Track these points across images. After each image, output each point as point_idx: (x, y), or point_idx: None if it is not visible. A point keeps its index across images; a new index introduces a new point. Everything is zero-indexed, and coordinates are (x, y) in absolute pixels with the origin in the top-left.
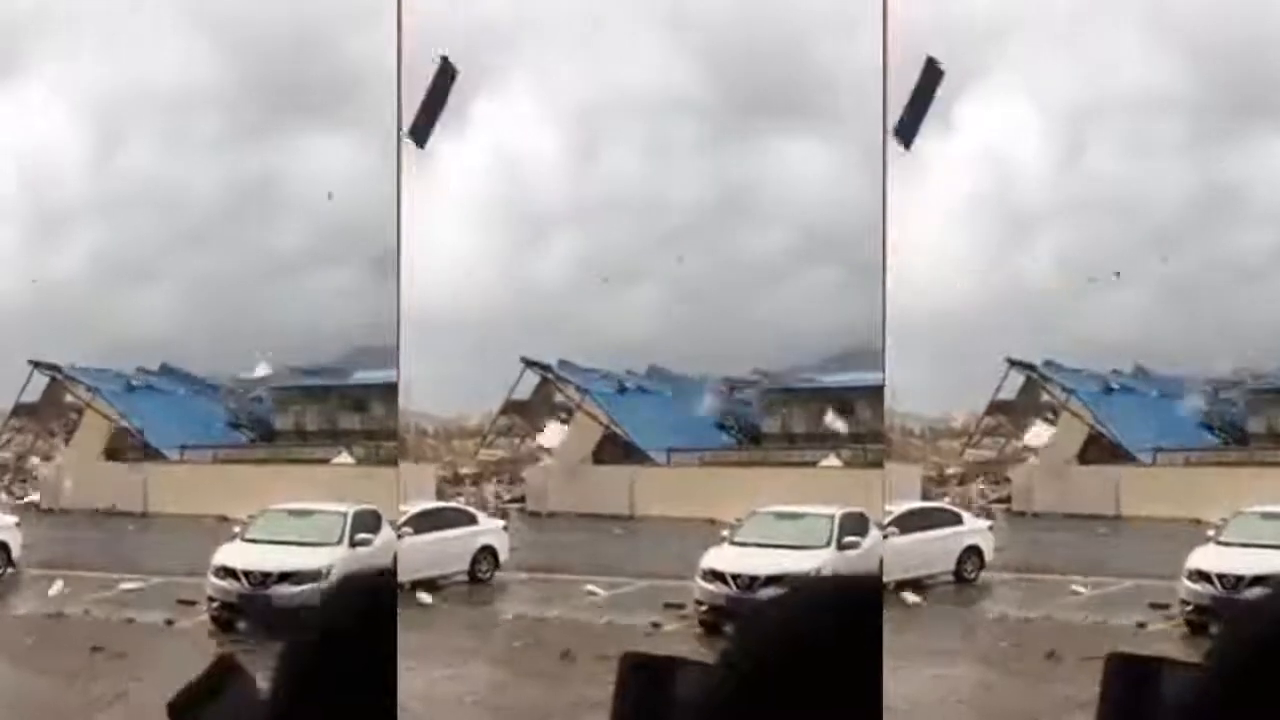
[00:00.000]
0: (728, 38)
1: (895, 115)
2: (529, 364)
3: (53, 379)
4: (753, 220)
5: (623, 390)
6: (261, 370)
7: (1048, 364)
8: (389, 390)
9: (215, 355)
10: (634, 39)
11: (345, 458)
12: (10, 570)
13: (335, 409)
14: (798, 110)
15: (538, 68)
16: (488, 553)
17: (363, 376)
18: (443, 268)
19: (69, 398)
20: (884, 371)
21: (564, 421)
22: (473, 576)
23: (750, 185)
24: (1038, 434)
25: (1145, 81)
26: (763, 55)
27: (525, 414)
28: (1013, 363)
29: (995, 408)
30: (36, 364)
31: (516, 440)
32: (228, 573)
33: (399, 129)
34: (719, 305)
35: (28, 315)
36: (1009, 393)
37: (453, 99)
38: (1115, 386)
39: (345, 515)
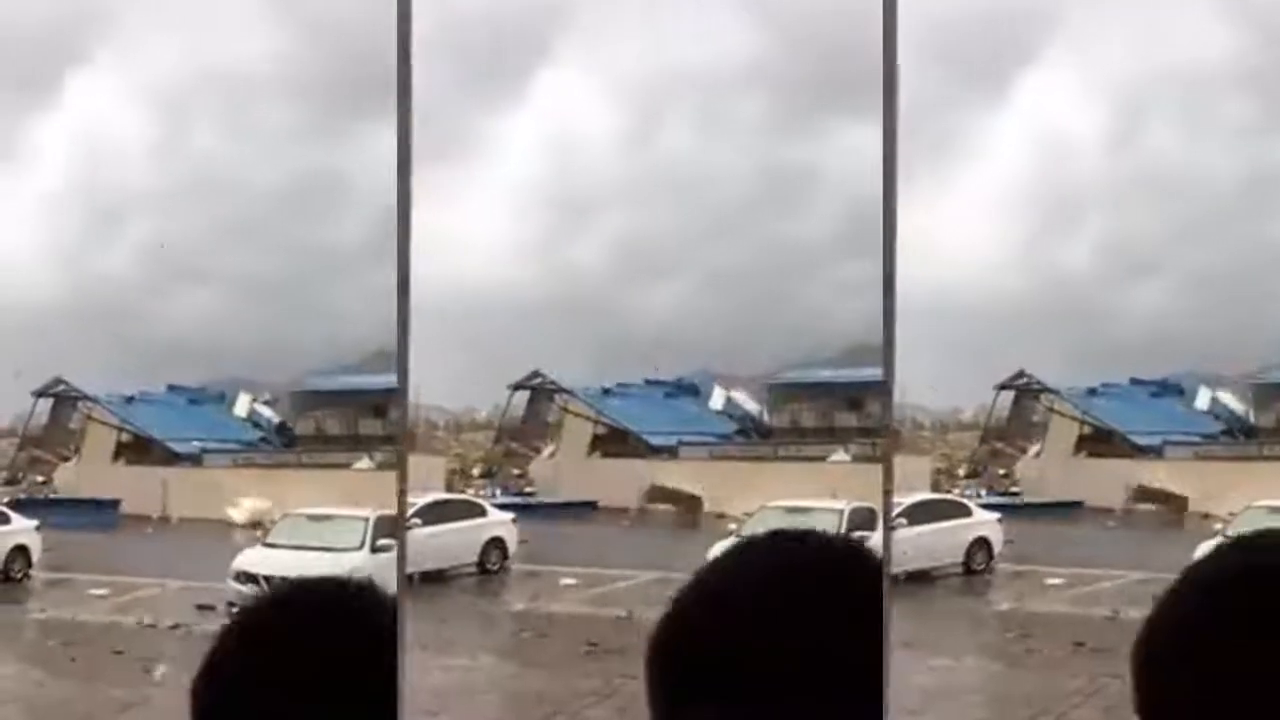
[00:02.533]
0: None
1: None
2: (516, 387)
3: None
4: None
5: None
6: None
7: (1030, 378)
8: None
9: None
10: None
11: None
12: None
13: None
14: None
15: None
16: (496, 544)
17: None
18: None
19: None
20: (892, 365)
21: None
22: (482, 568)
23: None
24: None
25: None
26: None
27: (520, 437)
28: (1000, 387)
29: (990, 434)
30: None
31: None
32: (248, 578)
33: (407, 116)
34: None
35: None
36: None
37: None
38: (1099, 388)
39: (366, 520)
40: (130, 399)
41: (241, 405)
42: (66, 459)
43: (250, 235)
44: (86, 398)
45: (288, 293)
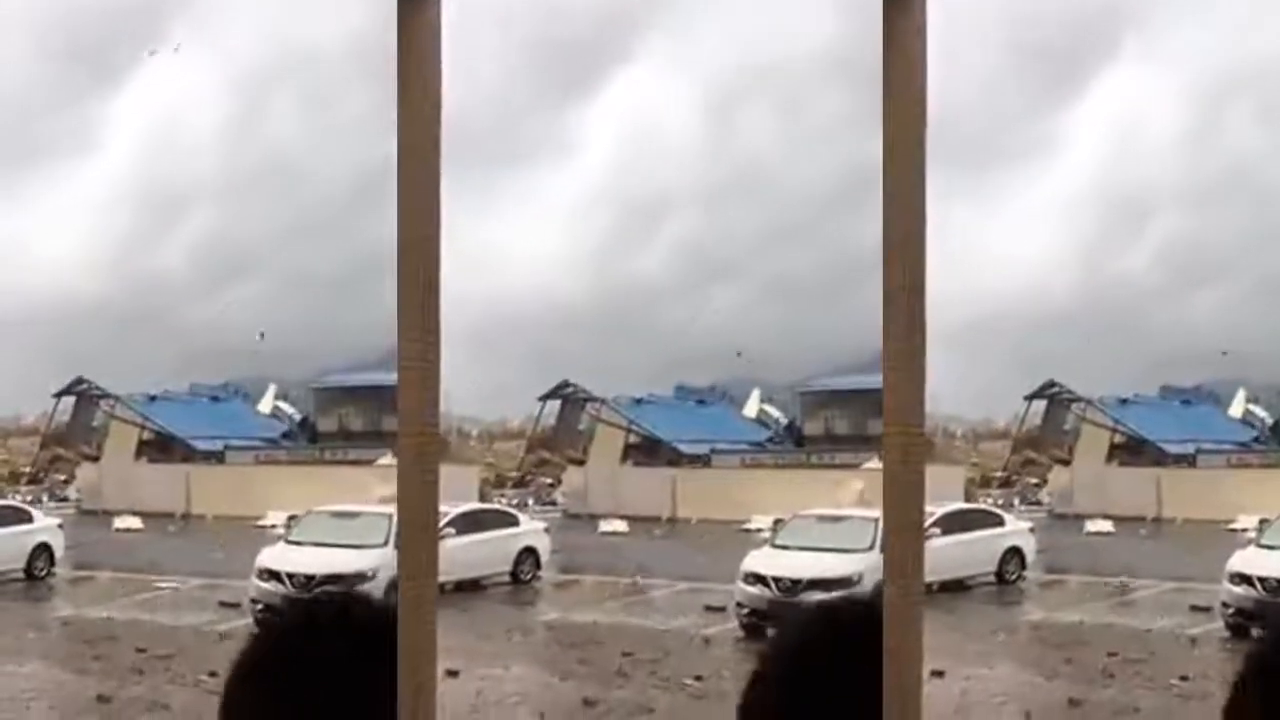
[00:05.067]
0: None
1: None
2: (547, 397)
3: None
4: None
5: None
6: None
7: (1061, 387)
8: None
9: None
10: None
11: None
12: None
13: None
14: None
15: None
16: (529, 554)
17: None
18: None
19: None
20: (921, 371)
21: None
22: (515, 578)
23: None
24: None
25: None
26: None
27: (553, 447)
28: (1030, 397)
29: (1022, 443)
30: None
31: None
32: (271, 575)
33: (437, 111)
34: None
35: None
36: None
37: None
38: (1131, 398)
39: (390, 517)
40: (153, 398)
41: (266, 402)
42: (89, 457)
43: (308, 228)
44: (108, 396)
45: (333, 286)
